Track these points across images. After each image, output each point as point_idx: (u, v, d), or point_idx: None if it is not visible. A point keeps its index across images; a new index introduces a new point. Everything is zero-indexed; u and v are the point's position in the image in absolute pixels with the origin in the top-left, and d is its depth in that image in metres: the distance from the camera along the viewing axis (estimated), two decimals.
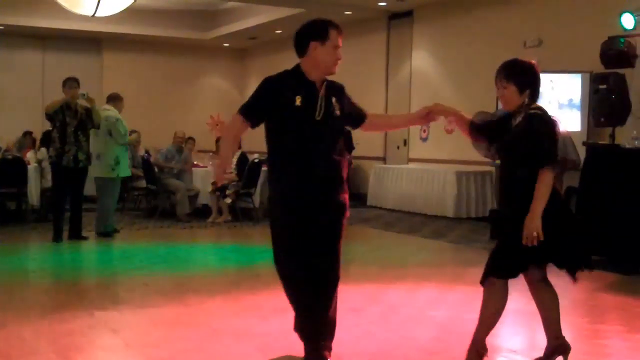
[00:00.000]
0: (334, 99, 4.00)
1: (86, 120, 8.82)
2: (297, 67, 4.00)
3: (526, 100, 3.90)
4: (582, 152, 8.81)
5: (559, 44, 10.79)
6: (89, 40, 18.37)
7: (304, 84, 3.93)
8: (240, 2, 15.19)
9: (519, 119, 3.91)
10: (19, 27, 16.59)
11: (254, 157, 11.65)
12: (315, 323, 3.99)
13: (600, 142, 9.13)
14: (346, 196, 4.07)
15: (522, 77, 3.91)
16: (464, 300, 6.01)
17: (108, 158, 9.28)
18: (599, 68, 9.15)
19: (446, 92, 12.93)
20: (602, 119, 9.01)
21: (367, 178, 14.45)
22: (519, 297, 6.34)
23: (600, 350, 4.72)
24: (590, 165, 8.15)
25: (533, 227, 3.74)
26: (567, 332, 5.44)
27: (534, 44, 11.17)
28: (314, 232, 3.95)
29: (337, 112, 3.99)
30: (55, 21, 16.07)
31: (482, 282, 3.99)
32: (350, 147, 14.85)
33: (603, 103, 8.88)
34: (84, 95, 8.72)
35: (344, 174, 4.06)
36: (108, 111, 9.48)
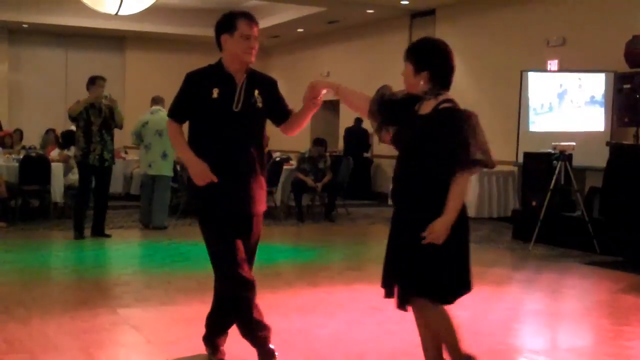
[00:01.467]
0: (256, 91, 3.94)
1: (110, 119, 8.86)
2: (219, 61, 3.97)
3: (422, 82, 3.50)
4: (605, 152, 8.76)
5: (583, 43, 10.70)
6: (112, 39, 18.47)
7: (222, 77, 3.90)
8: (263, 0, 15.21)
9: (425, 107, 3.48)
10: (42, 25, 16.72)
11: (276, 155, 11.62)
12: None
13: (625, 142, 9.06)
14: (263, 193, 4.03)
15: (420, 56, 3.52)
16: (485, 300, 5.99)
17: (171, 158, 9.82)
18: (624, 67, 9.07)
19: (468, 91, 12.86)
20: (626, 119, 8.94)
21: (387, 177, 14.42)
22: (539, 298, 6.32)
23: (623, 352, 4.68)
24: (613, 166, 8.08)
25: (444, 232, 3.29)
26: (590, 334, 5.42)
27: (558, 43, 11.08)
28: (227, 225, 3.95)
29: (259, 104, 3.94)
30: (78, 19, 16.16)
31: (405, 306, 3.60)
32: (366, 145, 14.89)
33: (627, 103, 8.82)
34: (106, 96, 8.77)
35: (262, 166, 3.99)
36: (165, 112, 9.80)
